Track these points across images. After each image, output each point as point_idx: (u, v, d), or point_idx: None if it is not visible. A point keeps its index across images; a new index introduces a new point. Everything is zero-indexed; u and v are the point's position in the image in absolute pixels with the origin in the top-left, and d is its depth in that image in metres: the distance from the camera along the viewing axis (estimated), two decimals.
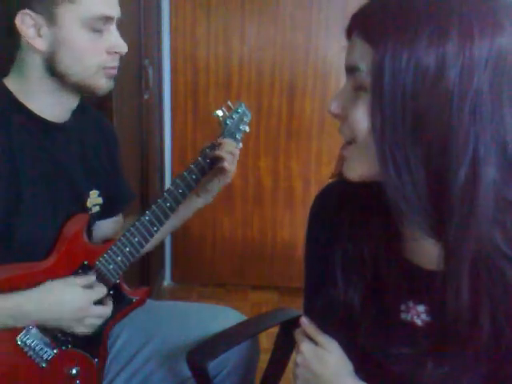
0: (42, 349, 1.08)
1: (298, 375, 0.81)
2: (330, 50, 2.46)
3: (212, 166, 1.27)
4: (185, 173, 1.23)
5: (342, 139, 0.71)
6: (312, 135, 2.59)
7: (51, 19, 1.00)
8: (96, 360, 1.18)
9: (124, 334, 1.30)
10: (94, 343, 1.18)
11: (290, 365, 1.31)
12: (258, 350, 1.36)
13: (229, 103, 1.31)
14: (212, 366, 1.21)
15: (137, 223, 1.18)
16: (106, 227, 1.30)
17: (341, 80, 2.49)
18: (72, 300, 1.08)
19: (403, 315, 0.75)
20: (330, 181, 0.85)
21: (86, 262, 1.14)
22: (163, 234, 1.31)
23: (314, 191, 2.58)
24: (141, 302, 1.24)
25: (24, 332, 1.06)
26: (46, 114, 1.09)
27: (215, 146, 1.26)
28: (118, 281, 1.19)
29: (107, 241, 1.21)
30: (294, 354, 0.85)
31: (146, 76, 2.17)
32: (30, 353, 1.07)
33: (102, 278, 1.16)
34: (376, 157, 0.63)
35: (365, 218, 0.76)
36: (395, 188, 0.63)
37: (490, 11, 0.60)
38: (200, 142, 2.54)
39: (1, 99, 1.06)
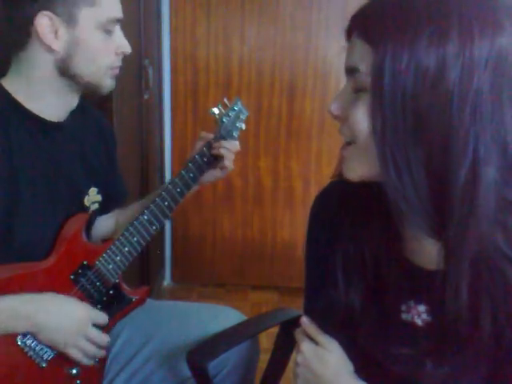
0: (42, 349, 1.08)
1: (299, 375, 0.81)
2: (330, 50, 2.46)
3: (210, 164, 1.26)
4: (183, 171, 1.23)
5: (342, 139, 0.71)
6: (312, 135, 2.59)
7: (71, 21, 1.02)
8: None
9: (124, 334, 1.30)
10: None
11: (291, 364, 1.31)
12: (258, 350, 1.36)
13: (225, 100, 1.30)
14: (212, 365, 1.21)
15: (135, 223, 1.18)
16: (100, 223, 1.30)
17: (341, 80, 2.49)
18: (73, 312, 1.09)
19: (404, 315, 0.75)
20: (331, 181, 0.85)
21: (85, 262, 1.14)
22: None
23: (314, 191, 2.58)
24: (140, 302, 1.24)
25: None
26: (46, 113, 1.09)
27: (212, 144, 1.26)
28: (117, 280, 1.19)
29: (106, 240, 1.22)
30: (294, 354, 0.85)
31: (146, 76, 2.17)
32: (31, 353, 1.07)
33: (101, 278, 1.16)
34: (376, 158, 0.63)
35: (365, 218, 0.76)
36: (396, 189, 0.63)
37: (490, 11, 0.60)
38: None
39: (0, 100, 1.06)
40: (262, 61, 2.52)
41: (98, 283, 1.16)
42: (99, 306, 1.17)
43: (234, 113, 1.30)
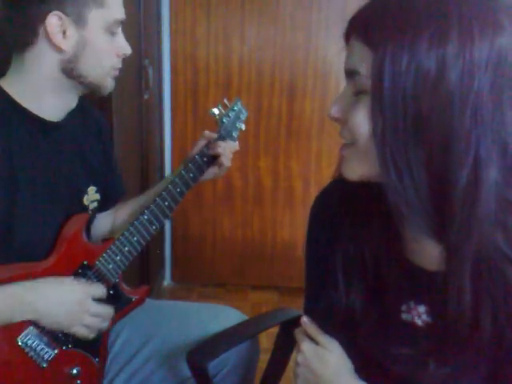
0: (42, 349, 1.08)
1: (299, 374, 0.81)
2: (330, 50, 2.46)
3: (209, 164, 1.27)
4: (183, 171, 1.23)
5: (342, 139, 0.71)
6: (312, 135, 2.59)
7: (80, 22, 1.03)
8: (96, 360, 1.18)
9: (124, 334, 1.30)
10: (94, 343, 1.18)
11: (291, 364, 1.32)
12: (258, 350, 1.36)
13: (225, 101, 1.31)
14: (212, 365, 1.21)
15: (135, 222, 1.19)
16: (99, 221, 1.30)
17: (341, 80, 2.49)
18: (71, 291, 1.09)
19: (404, 315, 0.75)
20: (331, 181, 0.85)
21: (85, 262, 1.14)
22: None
23: (314, 191, 2.58)
24: (140, 302, 1.24)
25: (24, 332, 1.06)
26: (45, 113, 1.09)
27: (212, 144, 1.26)
28: (117, 280, 1.20)
29: (106, 240, 1.22)
30: (294, 354, 0.85)
31: (146, 76, 2.18)
32: (31, 353, 1.07)
33: (101, 278, 1.16)
34: (377, 160, 0.63)
35: (365, 218, 0.75)
36: (396, 190, 0.63)
37: (490, 11, 0.60)
38: None
39: None
40: (261, 61, 2.52)
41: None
42: None
43: (233, 113, 1.30)
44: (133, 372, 1.28)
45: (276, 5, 2.45)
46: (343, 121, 0.68)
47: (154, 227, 1.20)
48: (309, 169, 2.63)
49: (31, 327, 1.07)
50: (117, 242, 1.17)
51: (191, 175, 1.24)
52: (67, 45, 1.04)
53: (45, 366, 1.09)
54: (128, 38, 1.12)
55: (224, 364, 1.27)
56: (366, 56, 0.62)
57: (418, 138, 0.61)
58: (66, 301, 1.08)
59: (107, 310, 1.14)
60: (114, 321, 1.21)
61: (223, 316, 1.34)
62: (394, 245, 0.75)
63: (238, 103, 1.32)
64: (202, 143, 1.26)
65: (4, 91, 1.07)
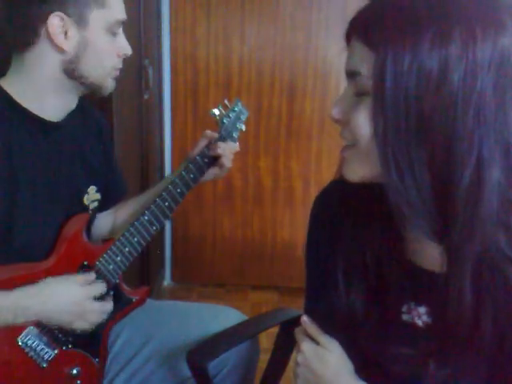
0: (42, 349, 1.08)
1: (299, 374, 0.81)
2: (330, 50, 2.46)
3: (210, 165, 1.26)
4: (183, 172, 1.23)
5: (343, 140, 0.71)
6: (312, 135, 2.59)
7: (81, 22, 1.03)
8: (96, 360, 1.18)
9: (124, 334, 1.30)
10: (95, 343, 1.18)
11: (291, 364, 1.31)
12: (258, 350, 1.36)
13: (225, 101, 1.31)
14: (212, 365, 1.21)
15: (136, 223, 1.19)
16: (99, 221, 1.30)
17: (341, 80, 2.49)
18: (68, 294, 1.09)
19: (404, 316, 0.75)
20: (331, 181, 0.85)
21: (85, 263, 1.14)
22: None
23: (314, 191, 2.58)
24: (141, 302, 1.24)
25: (25, 332, 1.06)
26: (46, 113, 1.09)
27: (212, 145, 1.26)
28: (117, 281, 1.20)
29: (107, 241, 1.22)
30: (294, 354, 0.85)
31: (146, 76, 2.18)
32: (31, 353, 1.07)
33: (102, 279, 1.16)
34: (378, 162, 0.63)
35: (366, 218, 0.75)
36: (398, 192, 0.62)
37: (491, 11, 0.60)
38: None
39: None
40: (261, 61, 2.52)
41: None
42: None
43: (234, 114, 1.30)
44: (133, 372, 1.28)
45: (276, 5, 2.45)
46: (344, 122, 0.67)
47: (154, 228, 1.20)
48: (309, 169, 2.63)
49: (31, 327, 1.07)
50: (117, 242, 1.17)
51: (191, 176, 1.24)
52: (69, 45, 1.04)
53: (45, 366, 1.09)
54: (128, 38, 1.12)
55: (224, 364, 1.27)
56: (366, 57, 0.62)
57: (420, 138, 0.60)
58: (66, 303, 1.08)
59: (106, 306, 1.15)
60: (115, 321, 1.22)
61: (223, 316, 1.34)
62: (395, 245, 0.74)
63: (239, 104, 1.32)
64: (202, 143, 1.26)
65: (4, 91, 1.07)
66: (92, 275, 1.14)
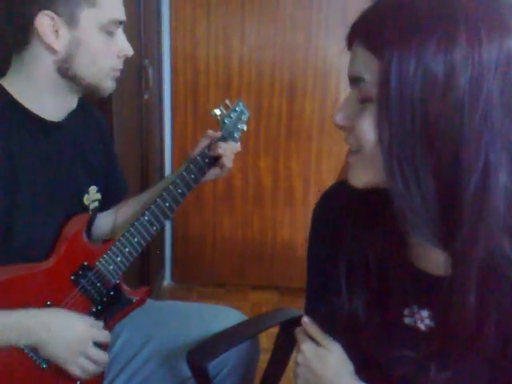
0: None
1: (299, 374, 0.80)
2: (330, 50, 2.46)
3: (211, 165, 1.26)
4: (184, 172, 1.23)
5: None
6: (312, 135, 2.59)
7: (72, 21, 1.02)
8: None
9: (124, 334, 1.30)
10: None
11: (291, 364, 1.31)
12: (258, 350, 1.36)
13: (227, 101, 1.30)
14: (212, 365, 1.21)
15: (136, 223, 1.18)
16: (100, 221, 1.30)
17: (341, 80, 2.49)
18: (75, 329, 1.07)
19: (407, 319, 0.75)
20: (332, 183, 0.85)
21: (85, 263, 1.14)
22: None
23: (313, 191, 2.58)
24: (141, 302, 1.24)
25: None
26: (46, 113, 1.09)
27: (213, 145, 1.25)
28: (117, 281, 1.19)
29: (107, 241, 1.22)
30: (294, 354, 0.85)
31: (146, 76, 2.17)
32: (31, 354, 1.07)
33: (102, 279, 1.16)
34: (383, 169, 0.62)
35: (369, 221, 0.75)
36: (403, 199, 0.62)
37: (496, 13, 0.59)
38: None
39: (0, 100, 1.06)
40: (261, 61, 2.52)
41: (98, 284, 1.16)
42: (99, 307, 1.17)
43: (235, 114, 1.30)
44: (133, 372, 1.28)
45: (276, 5, 2.45)
46: (349, 128, 0.67)
47: (154, 228, 1.20)
48: (309, 169, 2.63)
49: None
50: (117, 242, 1.17)
51: (192, 176, 1.24)
52: (60, 45, 1.03)
53: (45, 366, 1.09)
54: (128, 38, 1.12)
55: (224, 364, 1.27)
56: (370, 62, 0.61)
57: (425, 145, 0.59)
58: (66, 337, 1.06)
59: (103, 357, 1.12)
60: (115, 321, 1.22)
61: (223, 316, 1.34)
62: (398, 249, 0.74)
63: (240, 104, 1.32)
64: (204, 143, 1.26)
65: (6, 91, 1.06)
66: (100, 323, 1.14)
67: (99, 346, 1.11)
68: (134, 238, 1.18)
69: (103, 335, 1.13)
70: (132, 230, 1.18)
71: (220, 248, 2.77)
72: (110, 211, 1.34)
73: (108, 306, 1.18)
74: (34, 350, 1.05)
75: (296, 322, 0.84)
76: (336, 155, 2.56)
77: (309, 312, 0.87)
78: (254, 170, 2.65)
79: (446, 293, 0.66)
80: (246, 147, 2.55)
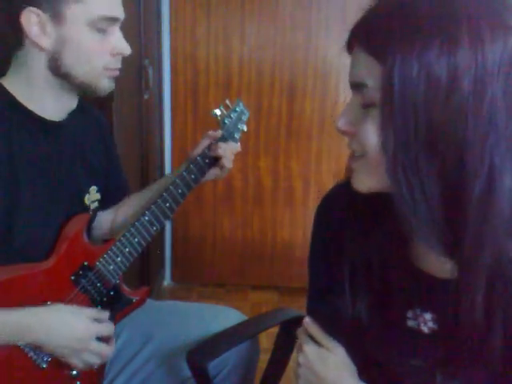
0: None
1: (301, 375, 0.80)
2: (330, 50, 2.46)
3: (211, 165, 1.26)
4: (184, 173, 1.23)
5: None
6: (312, 135, 2.59)
7: (57, 18, 1.00)
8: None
9: (124, 334, 1.30)
10: None
11: (291, 364, 1.31)
12: (258, 350, 1.36)
13: (227, 102, 1.30)
14: (212, 365, 1.21)
15: (136, 223, 1.18)
16: (99, 220, 1.29)
17: (341, 80, 2.49)
18: (74, 328, 1.07)
19: (410, 322, 0.74)
20: (334, 184, 0.84)
21: (86, 263, 1.14)
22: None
23: (313, 191, 2.58)
24: (141, 303, 1.24)
25: None
26: (46, 113, 1.09)
27: (213, 146, 1.25)
28: (117, 281, 1.19)
29: (107, 241, 1.22)
30: (294, 354, 0.84)
31: (146, 76, 2.17)
32: (31, 353, 1.07)
33: (102, 279, 1.16)
34: (387, 174, 0.61)
35: (372, 223, 0.74)
36: (407, 205, 0.61)
37: (497, 13, 0.59)
38: None
39: (0, 100, 1.06)
40: (261, 61, 2.52)
41: (98, 284, 1.16)
42: (99, 307, 1.17)
43: (235, 114, 1.30)
44: (133, 372, 1.28)
45: (276, 5, 2.45)
46: (352, 134, 0.66)
47: (154, 228, 1.20)
48: (309, 169, 2.63)
49: None
50: (117, 243, 1.17)
51: (193, 176, 1.24)
52: (47, 42, 1.02)
53: (45, 366, 1.09)
54: (128, 38, 1.11)
55: (224, 364, 1.27)
56: (372, 67, 0.60)
57: (430, 150, 0.59)
58: (70, 338, 1.06)
59: (106, 350, 1.12)
60: (115, 322, 1.21)
61: (223, 316, 1.34)
62: (401, 251, 0.73)
63: (240, 104, 1.32)
64: (204, 143, 1.26)
65: (6, 91, 1.06)
66: (106, 314, 1.13)
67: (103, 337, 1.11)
68: (134, 238, 1.18)
69: (106, 329, 1.12)
70: (132, 230, 1.18)
71: (220, 248, 2.77)
72: (109, 210, 1.34)
73: (108, 306, 1.18)
74: (36, 347, 1.05)
75: (296, 321, 0.84)
76: (336, 155, 2.56)
77: (310, 312, 0.87)
78: (253, 170, 2.65)
79: (452, 296, 0.65)
80: (246, 147, 2.55)
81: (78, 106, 1.15)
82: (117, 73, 1.11)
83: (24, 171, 1.05)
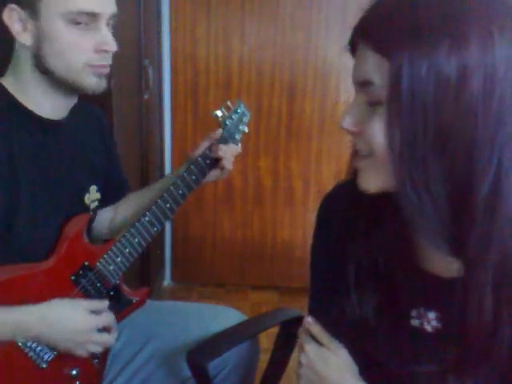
0: (42, 350, 1.08)
1: (302, 375, 0.80)
2: (330, 50, 2.46)
3: (212, 166, 1.26)
4: (185, 173, 1.23)
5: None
6: (312, 135, 2.59)
7: (34, 13, 1.00)
8: (96, 361, 1.18)
9: (124, 334, 1.30)
10: None
11: (291, 364, 1.31)
12: (258, 350, 1.36)
13: (228, 103, 1.30)
14: (212, 365, 1.21)
15: (137, 224, 1.18)
16: (99, 218, 1.29)
17: (341, 80, 2.49)
18: (75, 322, 1.07)
19: (413, 321, 0.74)
20: (335, 184, 0.84)
21: (86, 263, 1.14)
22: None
23: (313, 191, 2.58)
24: (141, 303, 1.24)
25: None
26: (45, 112, 1.09)
27: (214, 147, 1.25)
28: (117, 281, 1.19)
29: (107, 241, 1.22)
30: (295, 354, 0.84)
31: (146, 76, 2.17)
32: (31, 354, 1.07)
33: (102, 279, 1.16)
34: (393, 174, 0.61)
35: (376, 222, 0.74)
36: (413, 206, 0.61)
37: (506, 12, 0.58)
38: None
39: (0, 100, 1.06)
40: (262, 61, 2.52)
41: (98, 284, 1.16)
42: None
43: (237, 116, 1.30)
44: (133, 372, 1.28)
45: (276, 5, 2.45)
46: (357, 133, 0.65)
47: (154, 228, 1.20)
48: (309, 169, 2.63)
49: None
50: (118, 243, 1.17)
51: (193, 177, 1.24)
52: (28, 38, 1.01)
53: (44, 366, 1.09)
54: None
55: (224, 364, 1.27)
56: (379, 65, 0.59)
57: (438, 147, 0.58)
58: (70, 331, 1.07)
59: (110, 339, 1.13)
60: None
61: (223, 316, 1.34)
62: (406, 250, 0.73)
63: (241, 105, 1.32)
64: (205, 144, 1.26)
65: (6, 90, 1.06)
66: (105, 303, 1.13)
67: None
68: (134, 238, 1.18)
69: (105, 319, 1.12)
70: (133, 230, 1.18)
71: (220, 248, 2.77)
72: (108, 208, 1.34)
73: (108, 307, 1.18)
74: (40, 343, 1.06)
75: (296, 321, 0.84)
76: (336, 155, 2.56)
77: (312, 312, 0.87)
78: (253, 170, 2.65)
79: (459, 296, 0.64)
80: (246, 147, 2.55)
81: (78, 105, 1.15)
82: (105, 70, 1.07)
83: (24, 171, 1.05)
